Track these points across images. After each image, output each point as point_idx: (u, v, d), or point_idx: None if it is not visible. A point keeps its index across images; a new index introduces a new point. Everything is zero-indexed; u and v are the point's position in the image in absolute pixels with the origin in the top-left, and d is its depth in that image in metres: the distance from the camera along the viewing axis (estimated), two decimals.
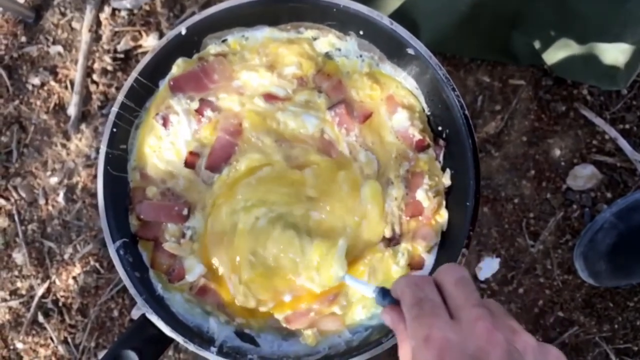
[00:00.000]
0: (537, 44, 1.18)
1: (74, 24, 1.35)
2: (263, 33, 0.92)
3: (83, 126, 1.32)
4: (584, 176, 1.27)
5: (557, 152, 1.28)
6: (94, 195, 1.31)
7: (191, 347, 0.82)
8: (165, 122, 0.89)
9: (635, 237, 1.20)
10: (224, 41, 0.92)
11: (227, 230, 0.86)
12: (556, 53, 1.17)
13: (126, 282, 0.84)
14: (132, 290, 0.84)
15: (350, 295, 0.88)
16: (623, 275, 1.23)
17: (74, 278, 1.30)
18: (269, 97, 0.89)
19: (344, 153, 0.89)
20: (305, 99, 0.90)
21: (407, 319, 0.54)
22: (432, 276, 0.58)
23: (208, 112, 0.89)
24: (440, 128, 0.90)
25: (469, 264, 1.27)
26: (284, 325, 0.88)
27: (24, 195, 1.32)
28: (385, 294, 0.61)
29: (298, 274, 0.84)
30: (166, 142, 0.90)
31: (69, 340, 1.30)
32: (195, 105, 0.89)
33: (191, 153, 0.89)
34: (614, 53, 1.11)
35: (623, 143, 1.26)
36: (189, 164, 0.88)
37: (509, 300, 1.27)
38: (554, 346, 0.53)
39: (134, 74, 0.87)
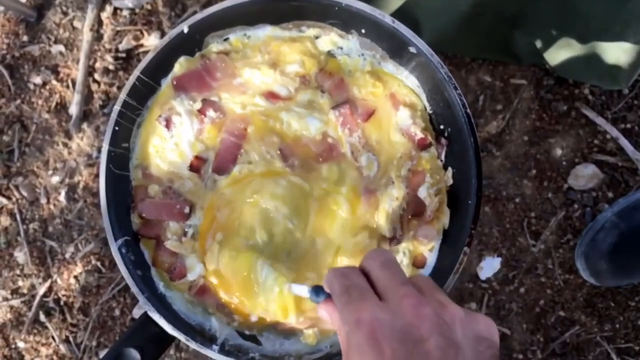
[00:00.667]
0: (538, 44, 1.18)
1: (76, 23, 1.35)
2: (265, 31, 0.92)
3: (84, 125, 1.32)
4: (585, 176, 1.27)
5: (559, 152, 1.28)
6: (95, 194, 1.31)
7: (193, 345, 0.82)
8: (168, 124, 0.89)
9: (637, 237, 1.20)
10: (226, 39, 0.92)
11: (239, 198, 0.86)
12: (558, 52, 1.17)
13: (128, 280, 0.84)
14: (134, 289, 0.84)
15: None
16: (624, 274, 1.23)
17: (76, 277, 1.30)
18: (271, 96, 0.89)
19: (346, 155, 0.89)
20: (308, 98, 0.90)
21: (338, 308, 0.55)
22: (358, 265, 0.60)
23: (210, 113, 0.89)
24: (442, 126, 0.90)
25: (470, 263, 1.27)
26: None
27: (25, 194, 1.32)
28: (318, 291, 0.62)
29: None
30: (170, 143, 0.90)
31: (71, 339, 1.30)
32: (197, 105, 0.89)
33: (197, 157, 0.88)
34: (616, 52, 1.11)
35: (624, 142, 1.26)
36: (194, 168, 0.89)
37: (510, 299, 1.27)
38: (491, 321, 0.53)
39: (136, 72, 0.87)
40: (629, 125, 1.28)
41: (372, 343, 0.50)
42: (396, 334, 0.50)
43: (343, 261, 0.86)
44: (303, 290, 0.67)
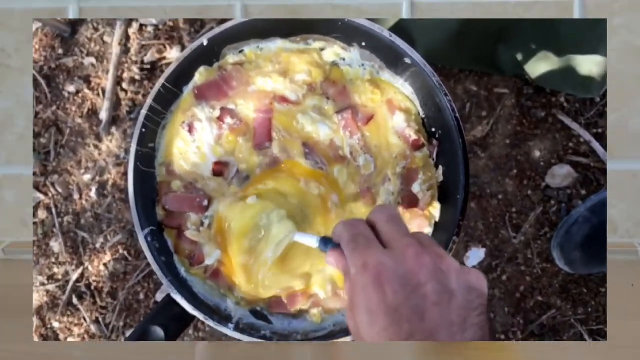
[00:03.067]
0: (520, 57, 1.18)
1: (106, 38, 1.35)
2: (276, 44, 0.92)
3: (113, 129, 1.33)
4: (561, 175, 1.27)
5: (537, 154, 1.28)
6: (122, 190, 1.31)
7: (211, 324, 0.83)
8: (190, 129, 0.90)
9: (607, 230, 1.20)
10: (241, 51, 0.92)
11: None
12: (537, 65, 1.18)
13: (153, 266, 0.85)
14: (158, 273, 0.84)
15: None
16: (596, 263, 1.23)
17: (105, 265, 1.30)
18: (282, 100, 0.90)
19: (346, 155, 0.89)
20: (314, 104, 0.90)
21: (346, 254, 0.57)
22: (365, 218, 0.61)
23: (228, 120, 0.90)
24: (433, 129, 0.91)
25: (457, 253, 1.27)
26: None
27: (60, 190, 1.33)
28: (327, 242, 0.63)
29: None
30: (193, 147, 0.90)
31: (100, 320, 1.30)
32: (216, 113, 0.90)
33: (217, 163, 0.89)
34: (589, 65, 1.11)
35: (596, 145, 1.26)
36: (217, 173, 0.89)
37: (494, 286, 1.27)
38: (482, 275, 0.54)
39: (162, 80, 0.87)
40: (600, 130, 1.28)
41: (376, 285, 0.51)
42: (398, 278, 0.51)
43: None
44: (312, 241, 0.66)
